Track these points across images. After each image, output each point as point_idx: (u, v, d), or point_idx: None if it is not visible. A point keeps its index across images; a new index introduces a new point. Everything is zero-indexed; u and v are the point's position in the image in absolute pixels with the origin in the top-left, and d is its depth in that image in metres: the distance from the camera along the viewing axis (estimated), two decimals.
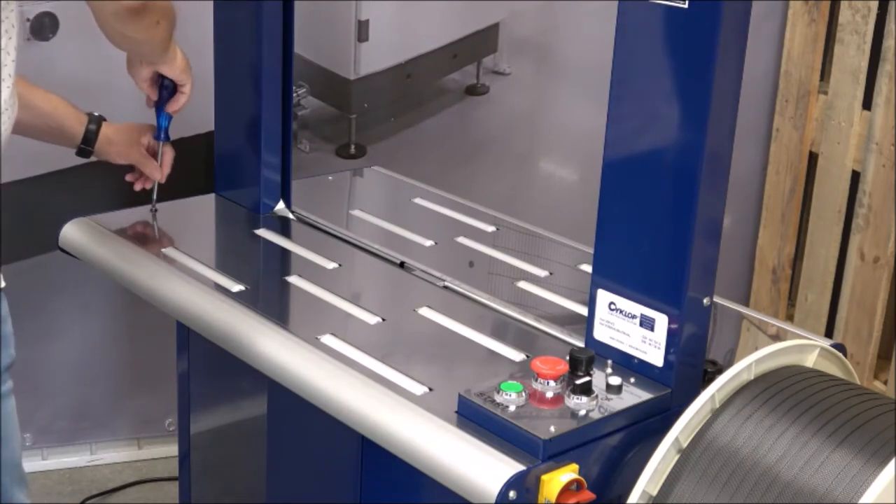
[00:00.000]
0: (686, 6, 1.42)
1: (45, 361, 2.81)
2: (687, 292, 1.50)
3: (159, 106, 2.06)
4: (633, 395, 1.52)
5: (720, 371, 1.51)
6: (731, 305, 1.87)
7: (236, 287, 1.84)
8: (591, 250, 1.62)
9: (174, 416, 2.42)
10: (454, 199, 2.28)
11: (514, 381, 1.48)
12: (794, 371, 1.51)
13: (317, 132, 2.90)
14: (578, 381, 1.48)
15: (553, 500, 1.38)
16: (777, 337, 1.83)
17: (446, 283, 1.90)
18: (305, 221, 2.14)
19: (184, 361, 2.16)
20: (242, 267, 1.97)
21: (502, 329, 1.78)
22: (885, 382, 2.94)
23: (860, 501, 1.30)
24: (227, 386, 2.09)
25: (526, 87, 3.03)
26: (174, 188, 2.17)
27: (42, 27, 2.54)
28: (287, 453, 1.89)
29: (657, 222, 1.51)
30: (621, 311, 1.57)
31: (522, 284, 1.93)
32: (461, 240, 2.10)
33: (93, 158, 2.12)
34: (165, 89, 2.03)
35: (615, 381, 1.52)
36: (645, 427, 1.51)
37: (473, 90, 3.00)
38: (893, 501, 1.31)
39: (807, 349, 1.57)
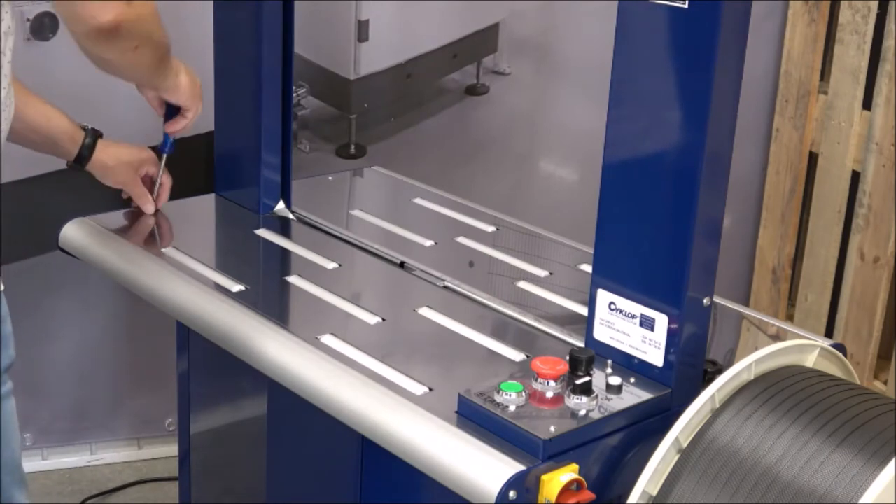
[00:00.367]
0: (686, 6, 1.42)
1: (45, 361, 2.81)
2: (687, 292, 1.50)
3: (165, 120, 2.06)
4: (633, 395, 1.52)
5: (720, 371, 1.51)
6: (731, 305, 1.87)
7: (236, 287, 1.85)
8: (591, 250, 1.62)
9: (174, 416, 2.42)
10: (454, 199, 2.28)
11: (514, 381, 1.48)
12: (794, 371, 1.51)
13: (317, 132, 2.90)
14: (578, 381, 1.48)
15: (553, 500, 1.38)
16: (777, 337, 1.83)
17: (446, 283, 1.90)
18: (305, 221, 2.14)
19: (184, 361, 2.16)
20: (242, 267, 1.97)
21: (502, 329, 1.78)
22: (885, 382, 2.94)
23: (860, 501, 1.30)
24: (227, 386, 2.09)
25: (526, 87, 3.03)
26: (174, 188, 2.17)
27: (42, 27, 2.53)
28: (287, 453, 1.89)
29: (657, 222, 1.51)
30: (621, 311, 1.57)
31: (522, 284, 1.93)
32: (461, 240, 2.10)
33: None
34: (172, 106, 2.03)
35: (615, 381, 1.52)
36: (645, 427, 1.51)
37: (473, 90, 3.00)
38: (893, 501, 1.31)
39: (807, 349, 1.57)
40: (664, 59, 1.46)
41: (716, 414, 1.45)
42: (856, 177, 2.94)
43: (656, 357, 1.54)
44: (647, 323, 1.54)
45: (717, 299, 1.63)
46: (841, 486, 1.32)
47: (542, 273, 1.96)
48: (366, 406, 1.54)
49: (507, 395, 1.46)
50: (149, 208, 2.11)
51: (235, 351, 1.74)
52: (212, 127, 2.21)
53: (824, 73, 3.06)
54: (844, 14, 2.92)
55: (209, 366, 2.11)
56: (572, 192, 3.09)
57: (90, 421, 2.92)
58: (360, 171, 2.54)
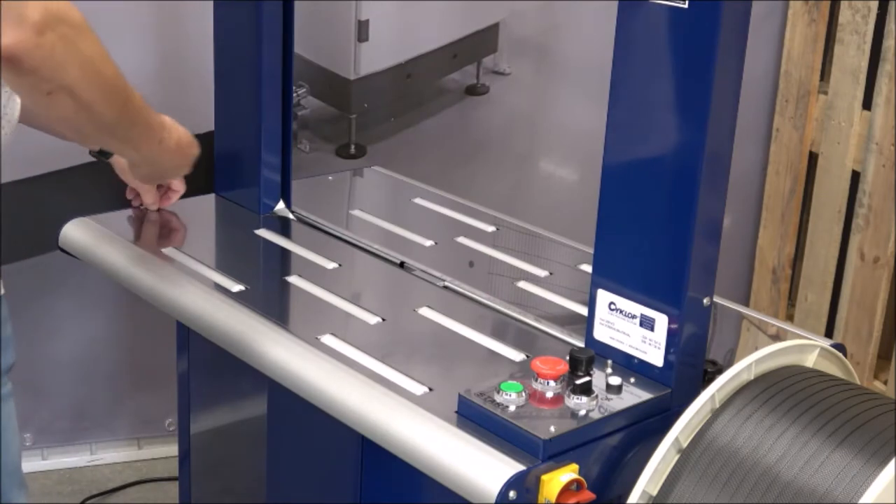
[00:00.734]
0: (686, 6, 1.42)
1: (45, 361, 2.81)
2: (687, 292, 1.50)
3: None
4: (633, 395, 1.52)
5: (720, 371, 1.51)
6: (731, 305, 1.87)
7: (236, 287, 1.84)
8: (591, 250, 1.61)
9: (174, 416, 2.42)
10: (454, 199, 2.28)
11: (514, 381, 1.48)
12: (794, 371, 1.51)
13: (317, 132, 2.90)
14: (578, 381, 1.48)
15: (553, 500, 1.38)
16: (777, 337, 1.83)
17: (446, 283, 1.90)
18: (305, 221, 2.14)
19: (184, 361, 2.16)
20: (242, 267, 1.97)
21: (502, 329, 1.78)
22: (885, 382, 2.94)
23: (860, 501, 1.30)
24: (227, 386, 2.09)
25: (526, 87, 3.03)
26: None
27: None
28: (287, 453, 1.89)
29: (657, 222, 1.51)
30: (621, 311, 1.57)
31: (522, 284, 1.92)
32: (461, 240, 2.10)
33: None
34: None
35: (615, 381, 1.52)
36: (645, 427, 1.51)
37: (473, 90, 3.00)
38: (893, 501, 1.31)
39: (807, 349, 1.57)
40: (664, 59, 1.46)
41: (716, 414, 1.45)
42: (856, 177, 2.94)
43: (656, 357, 1.54)
44: (647, 323, 1.54)
45: (717, 299, 1.63)
46: (841, 486, 1.32)
47: (542, 273, 1.96)
48: (366, 406, 1.54)
49: (507, 395, 1.46)
50: (149, 200, 2.10)
51: (235, 351, 1.73)
52: (212, 127, 2.21)
53: (824, 73, 3.06)
54: (844, 14, 2.92)
55: (209, 366, 2.11)
56: (572, 192, 3.09)
57: (90, 421, 2.92)
58: (360, 171, 2.54)
